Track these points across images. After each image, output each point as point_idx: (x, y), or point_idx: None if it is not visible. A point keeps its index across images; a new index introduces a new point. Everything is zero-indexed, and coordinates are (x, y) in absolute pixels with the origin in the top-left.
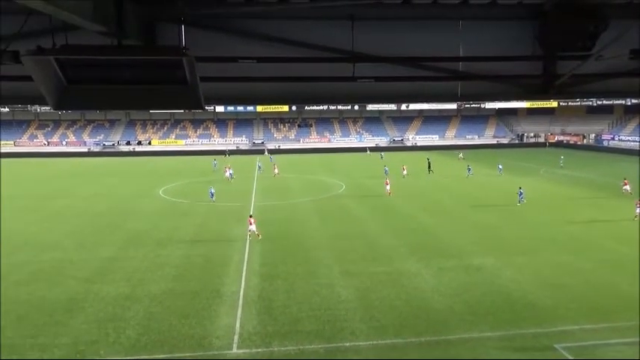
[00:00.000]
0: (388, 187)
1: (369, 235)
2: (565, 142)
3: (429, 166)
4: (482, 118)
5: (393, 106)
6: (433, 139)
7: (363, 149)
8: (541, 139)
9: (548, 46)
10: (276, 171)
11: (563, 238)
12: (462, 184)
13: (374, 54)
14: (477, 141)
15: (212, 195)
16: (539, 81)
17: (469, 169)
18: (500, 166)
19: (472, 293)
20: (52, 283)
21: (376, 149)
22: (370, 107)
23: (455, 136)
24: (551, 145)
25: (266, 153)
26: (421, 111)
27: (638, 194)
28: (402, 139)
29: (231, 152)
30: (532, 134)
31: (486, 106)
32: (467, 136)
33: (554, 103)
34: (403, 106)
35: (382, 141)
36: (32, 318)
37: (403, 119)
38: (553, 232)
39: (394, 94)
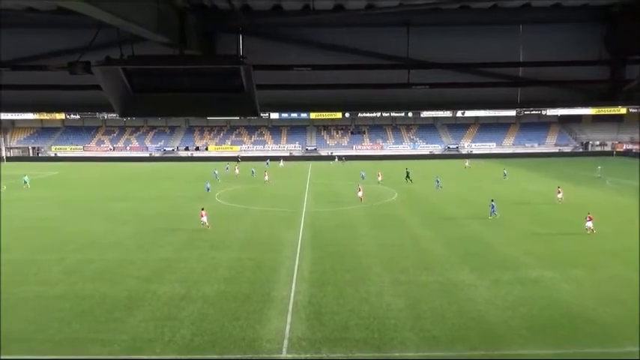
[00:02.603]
0: (360, 192)
1: (419, 242)
2: (634, 150)
3: (407, 175)
4: (543, 125)
5: (448, 113)
6: (490, 147)
7: (418, 156)
8: (607, 148)
9: (616, 50)
10: (266, 178)
11: (626, 253)
12: (507, 190)
13: (429, 60)
14: (537, 149)
15: (208, 189)
16: (605, 86)
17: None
18: (505, 171)
19: (529, 307)
20: (114, 281)
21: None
22: (424, 114)
23: (513, 144)
24: (619, 154)
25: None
26: (477, 118)
27: None
28: (457, 147)
29: (285, 159)
30: (598, 142)
31: (548, 113)
32: (526, 144)
33: (622, 110)
34: (459, 113)
35: (436, 148)
36: (95, 313)
37: (458, 126)
38: (615, 246)
39: (450, 101)
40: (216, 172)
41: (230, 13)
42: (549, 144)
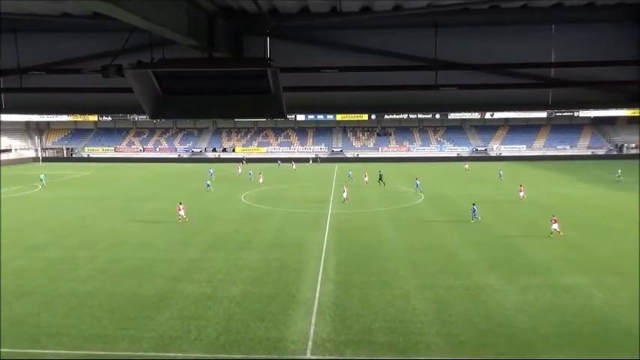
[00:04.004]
0: (345, 194)
1: (446, 246)
2: None
3: (380, 178)
4: (576, 127)
5: (476, 115)
6: (520, 150)
7: (447, 159)
8: None
9: None
10: (260, 180)
11: None
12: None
13: (458, 61)
14: (569, 152)
15: (208, 186)
16: None
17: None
18: (502, 172)
19: (560, 314)
20: (143, 279)
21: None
22: (452, 116)
23: (544, 146)
24: None
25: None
26: (507, 119)
27: None
28: (485, 149)
29: (314, 160)
30: (633, 145)
31: (580, 115)
32: (557, 147)
33: None
34: (487, 115)
35: (464, 151)
36: (124, 311)
37: (487, 128)
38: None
39: (479, 102)
40: (211, 170)
41: (258, 16)
42: (582, 146)
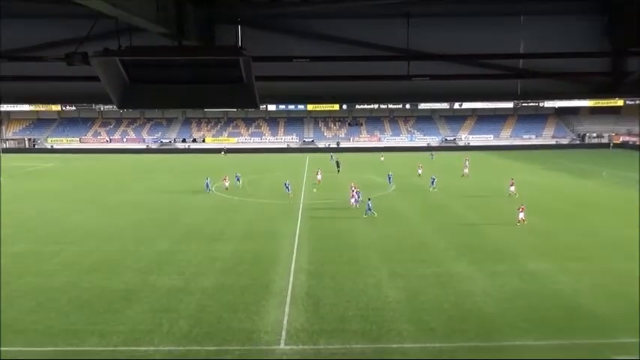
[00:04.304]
0: (319, 176)
1: (417, 235)
2: (632, 143)
3: (338, 166)
4: (541, 117)
5: (445, 105)
6: (487, 139)
7: (417, 148)
8: (604, 140)
9: (618, 42)
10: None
11: (627, 245)
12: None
13: (430, 52)
14: (534, 141)
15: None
16: (607, 78)
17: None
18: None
19: (526, 299)
20: (112, 272)
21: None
22: (422, 106)
23: (510, 136)
24: (616, 146)
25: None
26: (475, 110)
27: None
28: (454, 139)
29: (283, 151)
30: (595, 134)
31: (545, 105)
32: (523, 136)
33: (619, 102)
34: (456, 105)
35: (434, 140)
36: (93, 305)
37: (456, 118)
38: (614, 238)
39: (450, 93)
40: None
41: (228, 4)
42: (546, 136)
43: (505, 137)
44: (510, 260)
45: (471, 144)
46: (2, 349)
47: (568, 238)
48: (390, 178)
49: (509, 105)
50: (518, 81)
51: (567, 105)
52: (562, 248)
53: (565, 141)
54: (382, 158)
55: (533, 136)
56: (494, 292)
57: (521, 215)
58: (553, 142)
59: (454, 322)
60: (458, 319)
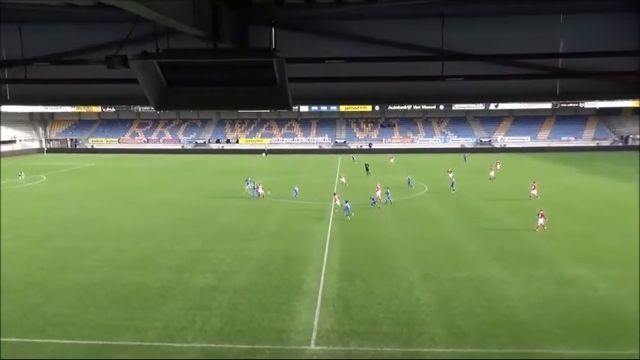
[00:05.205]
0: (343, 179)
1: (450, 238)
2: None
3: (367, 169)
4: (581, 118)
5: (480, 106)
6: (524, 141)
7: (451, 150)
8: None
9: None
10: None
11: None
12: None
13: (464, 52)
14: (573, 143)
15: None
16: None
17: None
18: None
19: (563, 305)
20: (148, 270)
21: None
22: (456, 107)
23: (548, 138)
24: None
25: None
26: (511, 110)
27: None
28: (489, 140)
29: (315, 152)
30: (638, 136)
31: (585, 106)
32: (562, 138)
33: None
34: (492, 106)
35: (468, 142)
36: (130, 301)
37: (491, 119)
38: None
39: (486, 93)
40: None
41: (263, 6)
42: (587, 138)
43: (543, 139)
44: (547, 265)
45: (507, 146)
46: (42, 341)
47: (606, 243)
48: (409, 181)
49: (548, 106)
50: (557, 81)
51: (609, 105)
52: (600, 253)
53: (606, 143)
54: (392, 160)
55: (573, 138)
56: (529, 297)
57: (541, 221)
58: (594, 144)
59: (487, 327)
60: (491, 324)
